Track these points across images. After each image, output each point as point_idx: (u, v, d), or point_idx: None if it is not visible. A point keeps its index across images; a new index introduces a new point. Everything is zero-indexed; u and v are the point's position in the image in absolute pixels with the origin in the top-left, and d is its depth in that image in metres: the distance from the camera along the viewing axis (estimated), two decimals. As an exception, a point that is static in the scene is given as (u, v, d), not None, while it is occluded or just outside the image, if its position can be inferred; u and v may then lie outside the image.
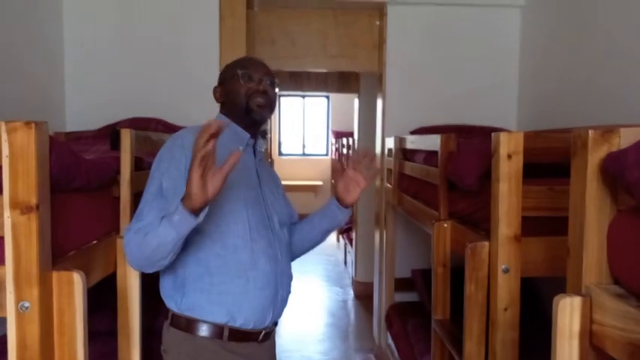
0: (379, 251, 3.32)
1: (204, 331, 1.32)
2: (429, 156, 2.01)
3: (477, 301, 1.40)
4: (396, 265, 3.16)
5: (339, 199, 1.52)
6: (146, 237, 1.20)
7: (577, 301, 0.92)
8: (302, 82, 4.96)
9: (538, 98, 3.03)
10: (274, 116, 7.07)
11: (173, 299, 1.36)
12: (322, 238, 1.63)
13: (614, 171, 0.86)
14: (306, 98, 8.69)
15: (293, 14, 3.37)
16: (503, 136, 1.29)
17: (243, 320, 1.34)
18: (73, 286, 1.09)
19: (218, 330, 1.32)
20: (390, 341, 2.90)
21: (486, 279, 1.38)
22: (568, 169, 1.40)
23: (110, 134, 1.58)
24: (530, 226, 1.34)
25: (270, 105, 1.46)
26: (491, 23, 3.20)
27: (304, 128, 8.90)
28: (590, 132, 0.92)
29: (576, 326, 0.92)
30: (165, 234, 1.18)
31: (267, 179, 1.52)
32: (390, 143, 2.98)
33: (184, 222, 1.16)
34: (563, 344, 0.92)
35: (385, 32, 3.21)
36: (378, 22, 3.37)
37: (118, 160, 1.54)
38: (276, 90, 1.51)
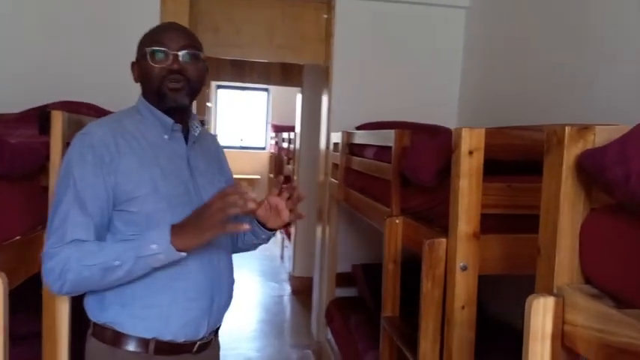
0: (321, 246, 3.27)
1: (127, 344, 1.21)
2: (380, 151, 1.97)
3: (432, 298, 1.37)
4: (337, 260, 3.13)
5: (260, 222, 1.37)
6: (106, 271, 1.12)
7: (550, 301, 0.90)
8: (244, 72, 4.81)
9: (478, 98, 3.09)
10: (211, 106, 6.83)
11: (92, 312, 1.24)
12: (244, 249, 1.51)
13: (592, 169, 0.84)
14: (245, 91, 8.51)
15: (238, 2, 3.24)
16: (465, 131, 1.27)
17: (173, 335, 1.22)
18: (-5, 288, 0.94)
19: (143, 343, 1.21)
20: (330, 336, 2.86)
21: (443, 276, 1.36)
22: (525, 166, 1.41)
23: (38, 117, 1.40)
24: (488, 224, 1.32)
25: (188, 87, 1.25)
26: (437, 22, 3.23)
27: (242, 121, 8.71)
28: (567, 128, 0.90)
29: (549, 327, 0.90)
30: (139, 269, 1.13)
31: (203, 169, 1.34)
32: (336, 138, 2.94)
33: (171, 257, 1.12)
34: (535, 345, 0.90)
35: (333, 26, 3.16)
36: (325, 16, 3.31)
37: (47, 145, 1.37)
38: (201, 63, 1.30)
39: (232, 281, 1.37)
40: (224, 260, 1.33)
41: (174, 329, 1.22)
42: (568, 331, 0.89)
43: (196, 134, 1.33)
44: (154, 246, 1.09)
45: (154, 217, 1.19)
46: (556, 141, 0.92)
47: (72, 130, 1.51)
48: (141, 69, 1.27)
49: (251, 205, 1.07)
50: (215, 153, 1.44)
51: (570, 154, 0.90)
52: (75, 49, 2.76)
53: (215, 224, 1.08)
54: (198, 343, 1.26)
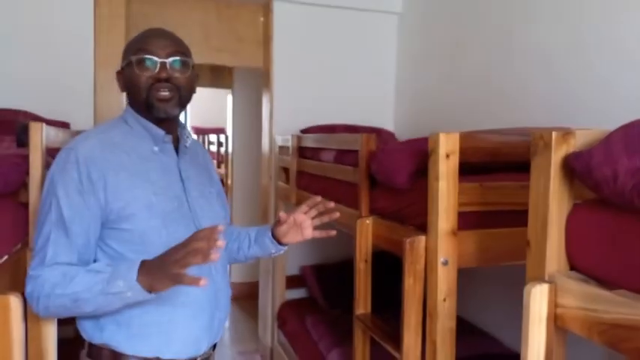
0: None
1: None
2: (342, 154, 2.03)
3: (414, 293, 1.46)
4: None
5: (274, 234, 1.37)
6: (76, 303, 1.06)
7: (545, 288, 1.01)
8: None
9: (412, 101, 3.26)
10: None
11: (86, 332, 1.20)
12: (246, 260, 1.48)
13: (580, 170, 0.96)
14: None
15: (172, 3, 3.16)
16: (442, 136, 1.36)
17: (174, 354, 1.19)
18: (10, 312, 0.89)
19: None
20: (284, 339, 2.88)
21: (423, 272, 1.44)
22: (491, 166, 1.53)
23: (17, 129, 1.31)
24: (463, 221, 1.42)
25: (178, 96, 1.20)
26: (371, 27, 3.36)
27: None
28: (554, 133, 1.01)
29: (544, 311, 1.01)
30: (109, 304, 1.07)
31: (196, 180, 1.30)
32: (281, 141, 2.97)
33: (139, 297, 1.04)
34: (534, 328, 1.01)
35: (271, 29, 3.18)
36: (262, 19, 3.32)
37: (25, 158, 1.28)
38: (191, 70, 1.25)
39: (230, 292, 1.35)
40: (221, 273, 1.30)
41: (177, 347, 1.19)
42: (560, 314, 1.01)
43: (187, 145, 1.30)
44: (120, 282, 1.03)
45: (148, 235, 1.15)
46: (543, 144, 1.03)
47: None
48: (127, 78, 1.21)
49: (214, 257, 0.96)
50: (204, 163, 1.40)
51: (557, 156, 1.01)
52: (3, 53, 2.57)
53: (172, 275, 0.98)
54: (199, 358, 1.25)
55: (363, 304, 1.79)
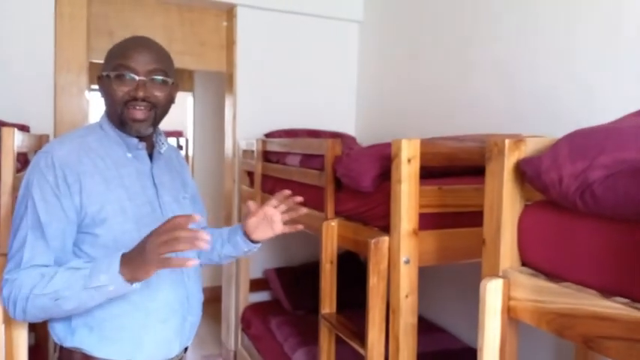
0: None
1: None
2: (307, 159, 2.10)
3: (378, 291, 1.53)
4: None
5: (245, 231, 1.39)
6: (57, 301, 1.06)
7: (499, 282, 1.10)
8: None
9: (373, 107, 3.36)
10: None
11: (57, 335, 1.21)
12: (221, 261, 1.51)
13: (531, 174, 1.05)
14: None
15: (134, 6, 3.15)
16: (404, 142, 1.44)
17: (146, 357, 1.22)
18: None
19: None
20: (248, 342, 2.91)
21: (387, 270, 1.52)
22: (449, 171, 1.63)
23: None
24: (423, 222, 1.51)
25: (153, 116, 1.22)
26: (333, 35, 3.44)
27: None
28: (507, 141, 1.10)
29: (499, 304, 1.10)
30: (90, 300, 1.07)
31: (169, 186, 1.32)
32: (245, 145, 3.01)
33: (121, 290, 1.06)
34: (489, 320, 1.09)
35: (235, 34, 3.22)
36: (225, 23, 3.35)
37: None
38: (171, 87, 1.26)
39: (201, 297, 1.37)
40: (193, 277, 1.32)
41: (148, 351, 1.21)
42: (513, 306, 1.10)
43: (162, 151, 1.33)
44: (102, 277, 1.04)
45: (121, 239, 1.16)
46: (497, 151, 1.13)
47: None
48: (105, 88, 1.21)
49: (201, 245, 0.97)
50: (178, 167, 1.43)
51: (510, 161, 1.10)
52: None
53: (157, 259, 0.99)
54: None
55: (328, 304, 1.85)
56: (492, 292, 1.09)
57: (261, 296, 3.21)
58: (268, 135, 2.93)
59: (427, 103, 2.79)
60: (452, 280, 2.55)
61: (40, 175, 1.13)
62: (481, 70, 2.40)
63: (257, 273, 3.22)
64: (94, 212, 1.16)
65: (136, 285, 1.06)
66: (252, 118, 3.23)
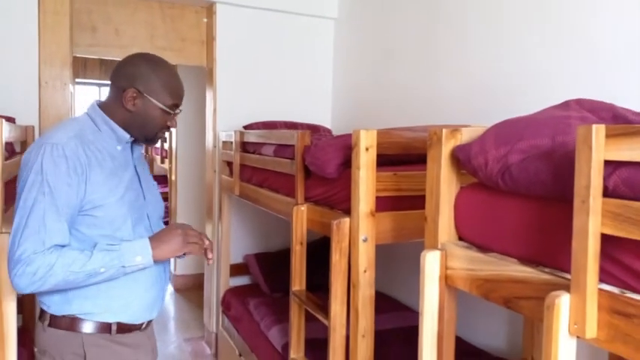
0: (215, 240, 3.44)
1: (90, 328, 1.36)
2: (280, 149, 2.24)
3: (340, 267, 1.68)
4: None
5: None
6: (91, 278, 1.27)
7: (437, 254, 1.26)
8: (94, 69, 4.69)
9: (348, 101, 3.51)
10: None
11: (52, 305, 1.36)
12: None
13: (463, 159, 1.21)
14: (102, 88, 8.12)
15: (116, 2, 3.25)
16: (362, 132, 1.59)
17: (132, 318, 1.43)
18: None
19: (107, 327, 1.39)
20: (228, 324, 3.06)
21: (348, 248, 1.67)
22: (404, 159, 1.78)
23: None
24: (380, 204, 1.66)
25: None
26: (309, 31, 3.58)
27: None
28: (444, 130, 1.26)
29: (437, 273, 1.26)
30: (119, 274, 1.32)
31: (144, 174, 1.54)
32: (224, 136, 3.14)
33: (146, 266, 1.36)
34: (429, 288, 1.25)
35: (214, 30, 3.34)
36: (205, 19, 3.47)
37: None
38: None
39: (169, 269, 1.61)
40: None
41: (133, 313, 1.43)
42: (450, 274, 1.26)
43: (141, 146, 1.54)
44: (138, 258, 1.32)
45: (116, 221, 1.37)
46: (436, 139, 1.28)
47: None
48: (146, 109, 1.41)
49: (208, 260, 1.45)
50: (146, 166, 1.63)
51: (447, 148, 1.26)
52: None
53: (182, 250, 1.39)
54: (145, 322, 1.49)
55: (298, 282, 2.00)
56: (431, 262, 1.25)
57: (242, 280, 3.36)
58: (247, 127, 3.06)
59: (397, 98, 2.95)
60: (416, 259, 2.72)
61: (54, 165, 1.27)
62: (446, 67, 2.55)
63: (237, 258, 3.37)
64: (95, 199, 1.33)
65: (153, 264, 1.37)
66: (232, 110, 3.37)
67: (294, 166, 2.01)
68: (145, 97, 1.40)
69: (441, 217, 1.28)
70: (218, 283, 3.29)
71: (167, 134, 4.58)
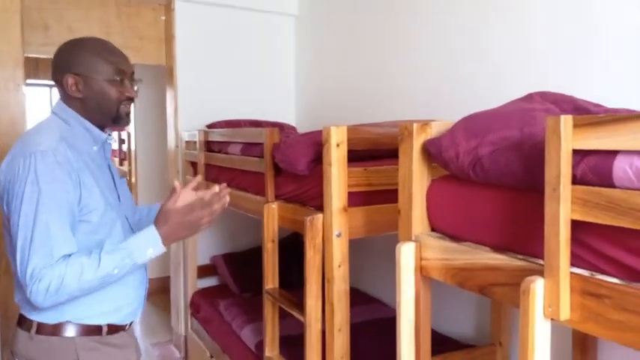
0: (181, 242, 3.38)
1: (82, 331, 1.34)
2: (248, 147, 2.23)
3: (314, 263, 1.69)
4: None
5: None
6: (104, 280, 1.23)
7: (412, 245, 1.28)
8: (48, 69, 4.53)
9: (311, 98, 3.52)
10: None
11: (40, 313, 1.30)
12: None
13: (434, 152, 1.24)
14: (54, 89, 7.85)
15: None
16: (333, 129, 1.60)
17: (121, 319, 1.41)
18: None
19: (97, 329, 1.36)
20: (198, 326, 3.02)
21: (321, 244, 1.68)
22: (373, 154, 1.80)
23: None
24: (352, 199, 1.68)
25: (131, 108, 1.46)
26: (271, 28, 3.56)
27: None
28: (415, 125, 1.29)
29: (412, 263, 1.29)
30: (131, 270, 1.28)
31: (115, 172, 1.51)
32: (187, 136, 3.09)
33: (156, 255, 1.30)
34: (405, 278, 1.28)
35: (173, 28, 3.28)
36: (163, 17, 3.40)
37: None
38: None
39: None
40: None
41: (124, 315, 1.42)
42: (424, 265, 1.29)
43: (110, 142, 1.48)
44: (150, 250, 1.27)
45: (108, 224, 1.34)
46: (407, 133, 1.31)
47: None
48: (94, 87, 1.33)
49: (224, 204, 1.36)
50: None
51: (418, 142, 1.29)
52: None
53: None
54: (129, 323, 1.47)
55: (271, 280, 2.00)
56: (406, 254, 1.28)
57: (209, 282, 3.32)
58: (210, 126, 3.03)
59: (360, 94, 2.98)
60: (386, 255, 2.75)
61: (49, 172, 1.22)
62: (407, 62, 2.60)
63: (204, 260, 3.32)
64: (90, 203, 1.30)
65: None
66: (194, 110, 3.32)
67: (264, 164, 2.01)
68: (84, 77, 1.33)
69: (414, 209, 1.30)
70: (185, 286, 3.25)
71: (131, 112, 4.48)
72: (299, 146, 1.78)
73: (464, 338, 2.27)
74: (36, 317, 1.31)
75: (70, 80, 1.33)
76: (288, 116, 3.59)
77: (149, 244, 1.27)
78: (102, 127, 1.41)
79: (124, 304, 1.41)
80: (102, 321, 1.36)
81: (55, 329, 1.31)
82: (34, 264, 1.18)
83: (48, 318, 1.31)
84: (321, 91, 3.41)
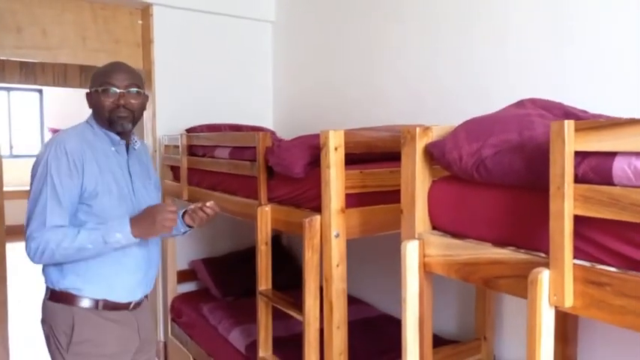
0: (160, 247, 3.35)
1: (81, 303, 1.60)
2: (237, 151, 2.25)
3: (312, 263, 1.74)
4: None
5: (184, 217, 1.81)
6: (80, 252, 1.52)
7: (416, 243, 1.35)
8: (35, 74, 4.42)
9: (288, 103, 3.57)
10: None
11: (51, 280, 1.62)
12: (166, 236, 1.94)
13: (437, 154, 1.32)
14: (11, 92, 7.59)
15: (42, 2, 3.09)
16: (331, 133, 1.65)
17: (116, 297, 1.64)
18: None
19: (94, 303, 1.61)
20: (179, 330, 3.01)
21: (319, 245, 1.73)
22: (366, 157, 1.87)
23: None
24: (348, 201, 1.74)
25: (132, 115, 1.67)
26: (248, 34, 3.60)
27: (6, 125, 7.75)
28: (417, 128, 1.36)
29: (416, 260, 1.36)
30: (104, 249, 1.54)
31: (139, 174, 1.76)
32: (167, 140, 3.09)
33: (128, 243, 1.56)
34: (410, 275, 1.35)
35: (151, 32, 3.26)
36: (140, 21, 3.38)
37: None
38: (143, 96, 1.71)
39: (158, 257, 1.82)
40: (154, 243, 1.76)
41: (118, 293, 1.64)
42: (427, 261, 1.36)
43: (136, 148, 1.77)
44: (118, 234, 1.52)
45: (108, 211, 1.60)
46: (410, 137, 1.38)
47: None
48: (93, 100, 1.66)
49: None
50: (146, 161, 1.87)
51: (420, 145, 1.36)
52: None
53: (165, 228, 1.56)
54: (133, 302, 1.69)
55: (264, 281, 2.03)
56: (411, 251, 1.34)
57: (188, 287, 3.31)
58: (190, 130, 3.03)
59: (337, 99, 3.05)
60: (369, 258, 2.83)
61: (57, 160, 1.55)
62: (384, 68, 2.69)
63: (182, 265, 3.31)
64: (90, 189, 1.58)
65: (137, 239, 1.56)
66: (172, 114, 3.31)
67: (256, 168, 2.04)
68: (90, 92, 1.67)
69: (416, 209, 1.37)
70: (165, 291, 3.22)
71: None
72: (295, 150, 1.82)
73: (447, 334, 2.36)
74: (48, 284, 1.63)
75: (88, 98, 1.70)
76: (265, 120, 3.63)
77: (118, 230, 1.52)
78: (117, 133, 1.68)
79: (117, 283, 1.63)
80: (97, 295, 1.60)
81: (60, 298, 1.60)
82: (32, 228, 1.53)
83: (53, 283, 1.60)
84: (299, 96, 3.46)
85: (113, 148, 1.69)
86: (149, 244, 1.71)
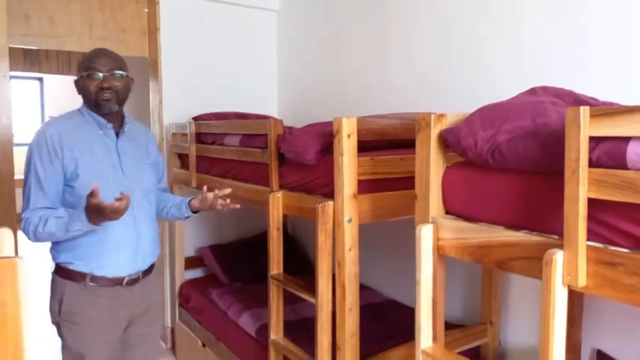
0: (167, 234, 3.38)
1: (71, 277, 1.73)
2: (248, 138, 2.28)
3: (325, 247, 1.78)
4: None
5: (190, 202, 1.92)
6: (52, 236, 1.66)
7: (430, 227, 1.39)
8: (40, 62, 4.43)
9: (294, 91, 3.60)
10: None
11: (52, 255, 1.78)
12: (169, 219, 2.06)
13: (452, 140, 1.35)
14: (12, 80, 7.57)
15: (50, -10, 3.09)
16: (344, 120, 1.69)
17: (104, 272, 1.74)
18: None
19: (82, 277, 1.73)
20: (187, 315, 3.06)
21: (332, 230, 1.77)
22: (377, 144, 1.90)
23: None
24: (360, 187, 1.77)
25: (116, 97, 1.75)
26: (254, 23, 3.61)
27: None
28: (432, 115, 1.39)
29: (430, 244, 1.39)
30: (72, 235, 1.65)
31: (131, 154, 1.83)
32: (175, 128, 3.11)
33: (89, 229, 1.63)
34: (425, 257, 1.39)
35: (158, 20, 3.28)
36: (146, 10, 3.39)
37: None
38: (126, 79, 1.79)
39: (154, 235, 1.88)
40: (144, 222, 1.83)
41: (105, 268, 1.74)
42: (441, 245, 1.40)
43: (125, 130, 1.83)
44: (78, 223, 1.60)
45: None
46: (425, 124, 1.41)
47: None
48: (80, 86, 1.75)
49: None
50: (144, 142, 1.94)
51: (435, 132, 1.39)
52: None
53: (111, 218, 1.58)
54: (126, 278, 1.78)
55: (276, 266, 2.07)
56: (425, 235, 1.38)
57: (195, 273, 3.35)
58: (197, 118, 3.05)
59: (343, 87, 3.08)
60: (374, 244, 2.87)
61: (38, 147, 1.69)
62: (394, 56, 2.71)
63: (189, 251, 3.35)
64: (71, 171, 1.70)
65: (97, 226, 1.63)
66: (178, 102, 3.33)
67: (267, 155, 2.07)
68: (78, 79, 1.76)
69: (431, 194, 1.41)
70: (172, 277, 3.26)
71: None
72: (306, 137, 1.85)
73: (454, 319, 2.41)
74: (52, 259, 1.76)
75: (75, 85, 1.77)
76: (270, 108, 3.66)
77: (77, 219, 1.59)
78: (104, 116, 1.77)
79: (104, 260, 1.73)
80: (84, 269, 1.72)
81: (57, 270, 1.75)
82: (22, 211, 1.69)
83: (53, 258, 1.76)
84: (303, 85, 3.49)
85: (101, 132, 1.77)
86: (136, 223, 1.78)
